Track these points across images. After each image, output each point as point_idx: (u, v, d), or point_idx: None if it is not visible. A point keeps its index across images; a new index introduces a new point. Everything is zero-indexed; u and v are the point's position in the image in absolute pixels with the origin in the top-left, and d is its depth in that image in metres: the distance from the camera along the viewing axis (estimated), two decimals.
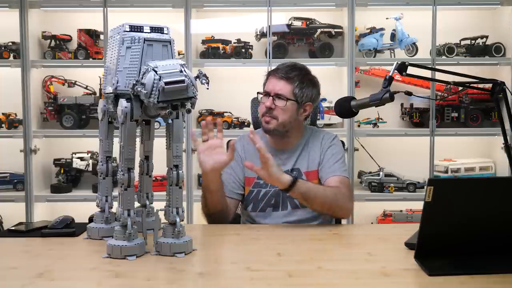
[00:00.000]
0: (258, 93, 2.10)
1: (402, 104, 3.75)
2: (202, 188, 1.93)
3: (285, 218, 2.04)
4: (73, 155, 3.68)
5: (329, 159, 2.07)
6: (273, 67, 2.40)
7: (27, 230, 1.79)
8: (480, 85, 1.86)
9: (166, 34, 1.56)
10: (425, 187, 1.31)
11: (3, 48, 3.61)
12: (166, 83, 1.40)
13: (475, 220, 1.38)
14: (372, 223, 3.65)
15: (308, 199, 1.84)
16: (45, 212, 3.64)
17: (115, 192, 1.59)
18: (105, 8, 3.49)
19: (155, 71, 1.41)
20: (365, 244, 1.69)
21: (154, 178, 1.77)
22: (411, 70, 1.64)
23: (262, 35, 3.62)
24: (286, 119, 2.02)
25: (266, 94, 2.04)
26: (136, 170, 1.60)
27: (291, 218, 2.03)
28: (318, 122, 2.45)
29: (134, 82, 1.41)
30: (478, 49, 3.62)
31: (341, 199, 1.91)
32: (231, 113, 3.70)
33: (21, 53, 3.51)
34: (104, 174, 1.70)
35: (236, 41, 3.67)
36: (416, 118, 3.66)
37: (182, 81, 1.42)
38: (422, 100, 3.69)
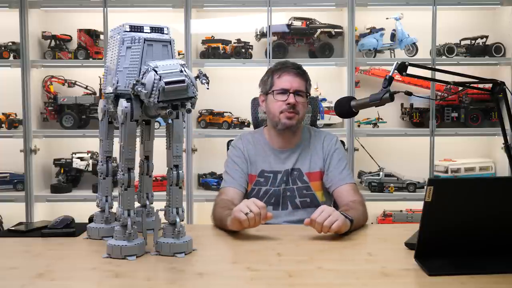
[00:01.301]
0: (273, 91, 2.06)
1: (402, 104, 3.75)
2: (226, 225, 1.77)
3: (285, 218, 2.04)
4: (73, 155, 3.68)
5: (336, 165, 2.08)
6: None
7: (27, 230, 1.79)
8: (480, 85, 1.86)
9: (166, 34, 1.56)
10: (425, 187, 1.31)
11: (3, 48, 3.61)
12: (166, 83, 1.40)
13: (475, 220, 1.38)
14: (372, 223, 3.65)
15: (355, 228, 1.80)
16: (45, 212, 3.64)
17: (115, 192, 1.59)
18: (105, 8, 3.49)
19: (155, 71, 1.41)
20: (365, 244, 1.69)
21: (154, 178, 1.77)
22: (411, 70, 1.64)
23: (262, 35, 3.63)
24: (304, 115, 2.11)
25: (283, 91, 2.05)
26: (136, 170, 1.60)
27: (292, 217, 2.04)
28: (318, 122, 2.44)
29: (134, 82, 1.41)
30: (478, 49, 3.62)
31: (365, 211, 1.93)
32: (231, 113, 3.70)
33: (21, 53, 3.51)
34: (104, 174, 1.70)
35: (236, 41, 3.67)
36: (416, 118, 3.66)
37: (182, 81, 1.42)
38: (422, 100, 3.69)
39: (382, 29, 3.63)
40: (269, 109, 2.10)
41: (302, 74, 2.09)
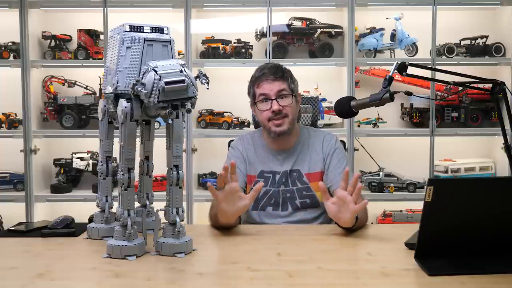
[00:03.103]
0: (255, 102, 2.07)
1: (402, 104, 3.75)
2: (219, 218, 1.78)
3: (286, 219, 2.04)
4: (73, 155, 3.68)
5: (336, 165, 2.07)
6: None
7: (27, 230, 1.79)
8: (480, 85, 1.86)
9: (166, 34, 1.56)
10: (425, 187, 1.31)
11: (3, 48, 3.61)
12: (166, 83, 1.40)
13: (475, 220, 1.38)
14: (372, 223, 3.65)
15: (357, 227, 1.80)
16: (45, 212, 3.64)
17: (115, 192, 1.59)
18: (105, 8, 3.50)
19: (155, 71, 1.41)
20: (365, 244, 1.69)
21: (154, 178, 1.77)
22: (411, 70, 1.64)
23: (262, 35, 3.63)
24: (295, 116, 2.08)
25: (265, 99, 2.03)
26: (136, 170, 1.60)
27: (292, 219, 2.04)
28: (318, 122, 2.44)
29: (134, 82, 1.41)
30: (478, 49, 3.62)
31: (366, 211, 1.91)
32: (231, 113, 3.70)
33: (21, 53, 3.51)
34: (104, 174, 1.70)
35: (236, 41, 3.67)
36: (416, 118, 3.66)
37: (182, 81, 1.42)
38: (422, 100, 3.69)
39: (382, 29, 3.63)
40: (258, 118, 2.11)
41: (281, 77, 2.04)
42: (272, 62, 2.12)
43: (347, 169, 1.70)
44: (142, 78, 1.42)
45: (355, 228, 1.76)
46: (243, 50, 3.62)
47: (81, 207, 3.10)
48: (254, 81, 2.08)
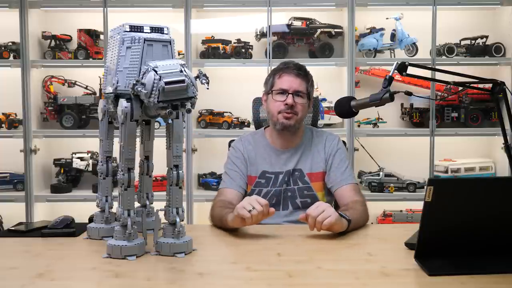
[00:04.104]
0: (270, 91, 2.08)
1: (402, 104, 3.75)
2: (229, 224, 1.77)
3: (286, 218, 2.05)
4: (73, 155, 3.68)
5: (338, 165, 2.08)
6: (273, 67, 2.40)
7: (27, 230, 1.79)
8: (480, 85, 1.86)
9: (166, 34, 1.56)
10: (425, 187, 1.31)
11: (3, 48, 3.61)
12: (166, 83, 1.40)
13: (475, 220, 1.38)
14: (372, 223, 3.64)
15: (354, 228, 1.80)
16: (45, 212, 3.64)
17: (115, 192, 1.59)
18: (105, 8, 3.50)
19: (155, 71, 1.41)
20: (365, 244, 1.69)
21: (154, 178, 1.77)
22: (411, 70, 1.64)
23: (262, 35, 3.63)
24: (304, 115, 2.10)
25: (282, 91, 2.04)
26: (136, 170, 1.60)
27: (292, 218, 2.04)
28: (318, 122, 2.45)
29: (134, 82, 1.41)
30: (478, 49, 3.62)
31: (366, 211, 1.93)
32: (231, 113, 3.70)
33: (21, 53, 3.51)
34: (104, 174, 1.70)
35: (236, 41, 3.67)
36: (416, 118, 3.66)
37: (182, 81, 1.42)
38: (422, 100, 3.69)
39: (382, 29, 3.63)
40: (268, 108, 2.11)
41: (303, 75, 2.07)
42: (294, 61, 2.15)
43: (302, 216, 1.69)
44: (142, 78, 1.42)
45: (350, 230, 1.76)
46: (243, 50, 3.62)
47: (81, 207, 3.10)
48: (277, 71, 2.10)
